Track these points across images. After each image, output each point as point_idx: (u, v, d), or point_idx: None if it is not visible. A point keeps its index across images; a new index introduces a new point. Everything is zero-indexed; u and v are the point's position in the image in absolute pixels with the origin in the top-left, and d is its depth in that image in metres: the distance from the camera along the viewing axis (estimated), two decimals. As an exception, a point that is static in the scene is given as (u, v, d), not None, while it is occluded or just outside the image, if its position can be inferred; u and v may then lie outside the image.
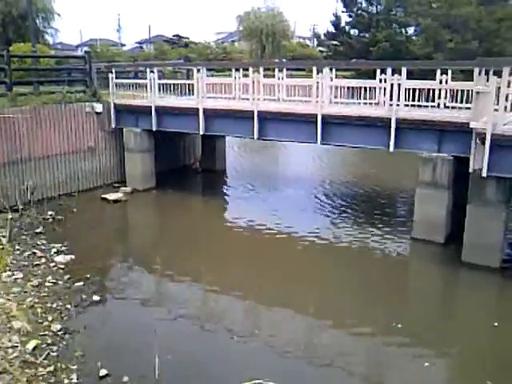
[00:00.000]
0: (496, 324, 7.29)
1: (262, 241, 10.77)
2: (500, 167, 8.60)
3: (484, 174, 8.63)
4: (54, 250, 9.76)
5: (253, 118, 12.16)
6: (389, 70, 10.49)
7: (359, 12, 44.27)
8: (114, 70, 14.81)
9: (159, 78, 14.41)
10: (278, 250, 10.30)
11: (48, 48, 32.53)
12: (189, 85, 14.19)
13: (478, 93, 9.06)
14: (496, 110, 8.64)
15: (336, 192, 14.68)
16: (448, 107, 11.64)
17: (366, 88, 12.19)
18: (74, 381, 5.86)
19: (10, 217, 10.24)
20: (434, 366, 6.41)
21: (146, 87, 13.98)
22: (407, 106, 11.11)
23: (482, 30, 36.20)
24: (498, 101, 8.68)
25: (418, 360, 6.49)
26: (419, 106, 11.61)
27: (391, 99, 10.39)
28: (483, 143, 8.61)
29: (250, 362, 6.47)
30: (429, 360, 6.47)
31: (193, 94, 13.44)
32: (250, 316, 7.87)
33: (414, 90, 11.35)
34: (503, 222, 8.98)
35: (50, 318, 7.16)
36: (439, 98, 11.77)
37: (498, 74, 8.65)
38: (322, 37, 49.11)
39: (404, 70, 10.19)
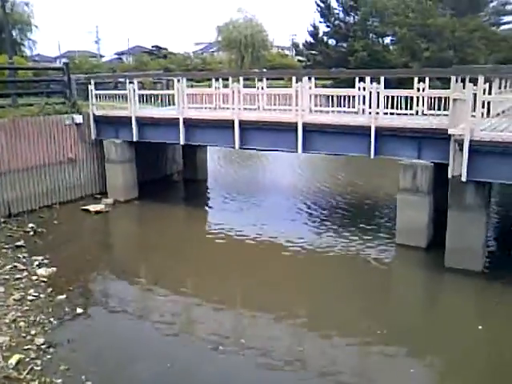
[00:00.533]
0: (480, 327, 7.39)
1: (245, 251, 10.77)
2: (479, 172, 8.76)
3: (463, 179, 8.78)
4: (36, 262, 9.63)
5: (233, 127, 12.21)
6: (367, 79, 10.63)
7: (336, 22, 44.86)
8: (93, 82, 14.75)
9: (139, 89, 14.40)
10: (260, 259, 10.31)
11: (25, 60, 32.23)
12: (169, 95, 14.20)
13: (455, 100, 9.25)
14: (473, 116, 8.82)
15: (318, 200, 14.75)
16: (426, 114, 11.81)
17: (345, 96, 12.33)
18: (59, 395, 5.78)
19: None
20: (420, 372, 6.47)
21: (126, 98, 13.94)
22: (386, 113, 11.28)
23: (456, 39, 37.01)
24: (474, 107, 8.87)
25: (404, 367, 6.54)
26: (398, 113, 11.79)
27: (370, 107, 10.54)
28: (461, 149, 8.77)
29: (237, 374, 6.46)
30: (414, 366, 6.53)
31: (173, 105, 13.44)
32: (234, 326, 7.85)
33: (393, 97, 11.53)
34: (484, 225, 9.13)
35: (33, 332, 7.05)
36: (417, 105, 11.95)
37: (474, 81, 8.85)
38: (301, 47, 49.56)
39: (382, 79, 10.35)
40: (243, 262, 10.13)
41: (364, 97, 10.95)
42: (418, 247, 10.20)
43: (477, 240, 9.08)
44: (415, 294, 9.09)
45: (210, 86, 15.73)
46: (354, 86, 12.19)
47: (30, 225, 11.73)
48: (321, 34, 45.94)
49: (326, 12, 44.83)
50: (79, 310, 7.86)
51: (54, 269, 9.34)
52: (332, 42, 45.67)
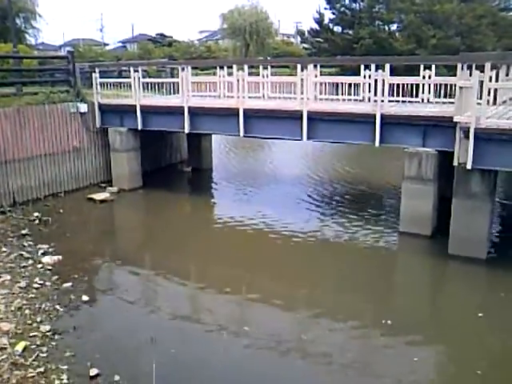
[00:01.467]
0: (481, 315, 7.38)
1: (249, 239, 10.79)
2: (484, 160, 8.72)
3: (469, 167, 8.73)
4: (41, 251, 9.70)
5: (238, 115, 12.17)
6: (373, 66, 10.55)
7: (342, 9, 44.34)
8: (97, 70, 14.72)
9: (144, 77, 14.36)
10: (265, 247, 10.33)
11: (30, 48, 32.15)
12: (174, 83, 14.15)
13: (461, 87, 9.16)
14: (479, 103, 8.75)
15: (323, 189, 14.74)
16: (432, 102, 11.75)
17: (350, 84, 12.27)
18: (65, 381, 5.83)
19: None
20: (424, 360, 6.47)
21: (131, 86, 13.92)
22: (392, 101, 11.20)
23: (464, 26, 36.56)
24: (480, 95, 8.80)
25: (408, 355, 6.54)
26: (404, 101, 11.73)
27: (376, 95, 10.46)
28: (467, 137, 8.71)
29: (242, 362, 6.49)
30: (418, 354, 6.52)
31: (178, 93, 13.40)
32: (239, 314, 7.88)
33: (399, 85, 11.46)
34: (488, 214, 9.11)
35: (38, 319, 7.12)
36: (423, 93, 11.88)
37: (481, 68, 8.76)
38: (306, 34, 49.12)
39: (387, 66, 10.27)
40: (248, 250, 10.16)
41: (369, 84, 10.88)
42: (422, 235, 10.18)
43: (481, 228, 9.05)
44: (419, 282, 9.06)
45: (214, 74, 15.69)
46: (359, 74, 12.15)
47: (35, 213, 11.79)
48: (326, 21, 45.43)
49: (331, -2, 44.35)
50: (85, 298, 7.91)
51: (60, 257, 9.39)
52: (337, 29, 45.18)
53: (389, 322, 7.19)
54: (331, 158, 19.47)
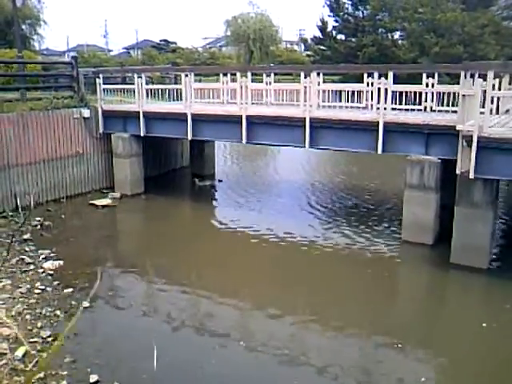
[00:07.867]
0: (484, 325, 7.34)
1: (250, 245, 10.75)
2: (487, 169, 8.70)
3: (471, 176, 8.71)
4: (43, 256, 9.68)
5: (241, 122, 12.18)
6: (376, 74, 10.57)
7: (345, 17, 44.54)
8: (101, 76, 14.78)
9: (147, 83, 14.40)
10: (267, 254, 10.30)
11: (34, 54, 32.31)
12: (177, 90, 14.20)
13: (464, 96, 9.16)
14: (482, 112, 8.74)
15: (325, 197, 14.72)
16: (435, 110, 11.74)
17: (353, 92, 12.28)
18: (65, 387, 5.81)
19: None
20: (425, 371, 6.43)
21: (134, 92, 13.96)
22: (394, 109, 11.21)
23: (467, 34, 36.66)
24: (483, 103, 8.80)
25: (409, 364, 6.51)
26: (406, 109, 11.73)
27: (379, 103, 10.47)
28: (470, 146, 8.70)
29: (245, 370, 6.46)
30: (419, 364, 6.50)
31: (181, 99, 13.44)
32: (239, 323, 7.82)
33: (401, 93, 11.47)
34: (491, 223, 9.07)
35: (39, 325, 7.09)
36: (426, 101, 11.88)
37: (484, 77, 8.77)
38: (309, 41, 49.31)
39: (391, 74, 10.28)
40: (249, 258, 10.13)
41: (372, 92, 10.90)
42: (424, 244, 10.14)
43: (483, 237, 9.02)
44: (420, 291, 9.04)
45: (217, 81, 15.74)
46: (362, 82, 12.16)
47: (38, 218, 11.78)
48: (329, 29, 45.64)
49: (334, 6, 44.51)
50: (85, 304, 7.86)
51: (61, 262, 9.38)
52: (341, 36, 45.38)
53: (390, 330, 7.16)
54: (333, 163, 19.48)
